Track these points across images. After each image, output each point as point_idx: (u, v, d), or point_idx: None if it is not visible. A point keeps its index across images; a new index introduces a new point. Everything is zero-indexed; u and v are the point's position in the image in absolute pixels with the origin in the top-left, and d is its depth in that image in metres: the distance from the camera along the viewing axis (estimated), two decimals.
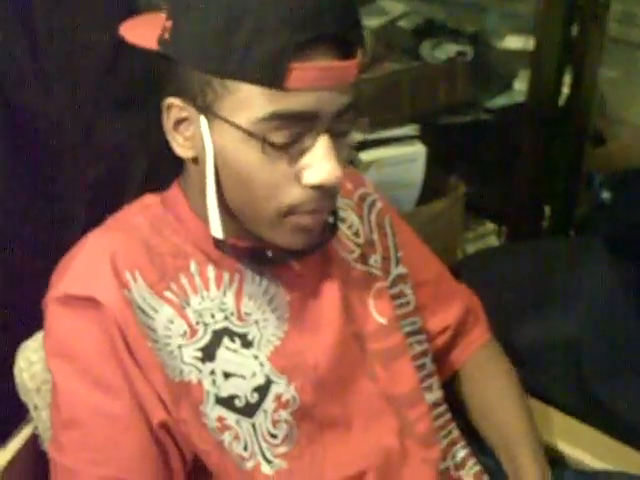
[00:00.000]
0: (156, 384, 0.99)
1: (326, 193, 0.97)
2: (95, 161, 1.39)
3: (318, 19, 0.89)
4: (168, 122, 1.00)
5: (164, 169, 1.10)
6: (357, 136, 1.02)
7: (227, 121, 0.93)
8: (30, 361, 1.11)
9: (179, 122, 0.99)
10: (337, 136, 0.96)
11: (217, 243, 1.00)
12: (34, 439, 1.13)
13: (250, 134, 0.92)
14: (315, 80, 0.91)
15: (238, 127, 0.93)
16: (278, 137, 0.93)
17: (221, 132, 0.95)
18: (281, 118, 0.92)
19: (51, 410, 1.03)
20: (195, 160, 1.00)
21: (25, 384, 1.11)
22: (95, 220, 1.09)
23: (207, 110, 0.95)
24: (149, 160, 1.44)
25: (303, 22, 0.89)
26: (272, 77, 0.90)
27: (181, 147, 1.00)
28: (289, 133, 0.93)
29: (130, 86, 1.40)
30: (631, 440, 1.35)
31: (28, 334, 1.13)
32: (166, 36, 0.96)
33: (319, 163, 0.94)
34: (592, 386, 1.50)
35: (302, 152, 0.95)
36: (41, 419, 1.11)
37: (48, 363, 1.02)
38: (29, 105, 1.33)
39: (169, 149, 1.02)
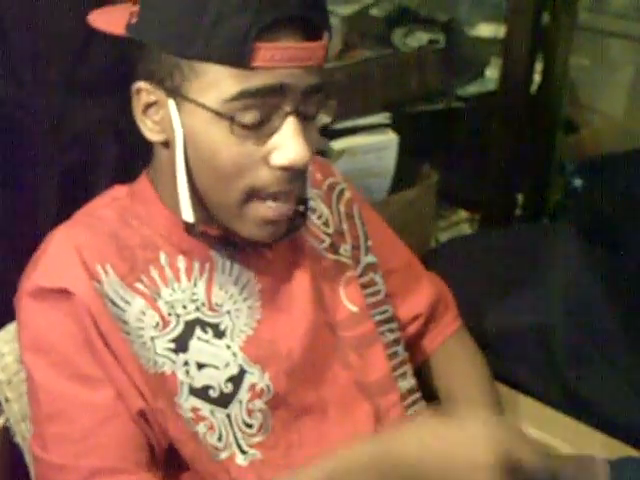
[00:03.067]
0: (132, 374, 0.99)
1: (294, 175, 0.98)
2: (66, 148, 1.39)
3: (283, 1, 0.91)
4: (137, 106, 1.00)
5: (136, 156, 1.09)
6: (325, 119, 1.02)
7: (196, 103, 0.94)
8: (1, 353, 1.11)
9: (148, 106, 0.99)
10: (305, 119, 0.97)
11: (188, 228, 1.01)
12: (5, 431, 1.12)
13: (218, 114, 0.93)
14: (281, 60, 0.92)
15: (207, 108, 0.93)
16: (247, 117, 0.93)
17: (190, 114, 0.95)
18: (249, 96, 0.92)
19: (30, 408, 1.02)
20: (165, 144, 1.01)
21: None
22: (67, 207, 1.09)
23: (176, 93, 0.95)
24: (120, 147, 1.43)
25: (267, 4, 0.90)
26: (238, 57, 0.91)
27: (150, 131, 1.00)
28: (258, 113, 0.94)
29: (101, 73, 1.40)
30: (600, 425, 1.36)
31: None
32: (133, 20, 0.96)
33: (287, 144, 0.95)
34: (563, 372, 1.51)
35: (270, 133, 0.96)
36: (12, 411, 1.11)
37: (24, 359, 1.01)
38: None
39: (140, 135, 1.01)
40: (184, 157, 0.97)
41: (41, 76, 1.35)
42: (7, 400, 1.11)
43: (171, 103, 0.96)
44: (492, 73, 2.39)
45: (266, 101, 0.93)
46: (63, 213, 1.08)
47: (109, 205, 1.07)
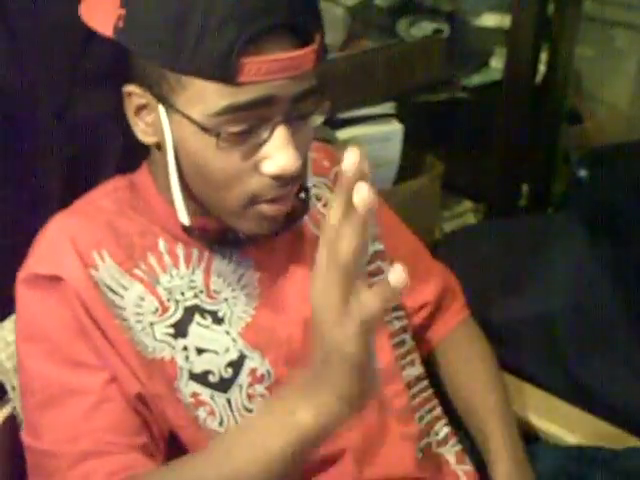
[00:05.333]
0: (128, 359, 0.99)
1: (286, 181, 0.97)
2: (70, 139, 1.38)
3: (268, 10, 0.88)
4: (130, 108, 1.00)
5: (139, 146, 1.09)
6: (318, 119, 0.99)
7: (182, 114, 0.93)
8: (7, 341, 1.11)
9: (140, 108, 0.99)
10: (297, 120, 0.95)
11: (185, 229, 1.01)
12: (12, 419, 1.13)
13: (204, 129, 0.92)
14: (268, 72, 0.89)
15: (193, 121, 0.92)
16: (234, 130, 0.92)
17: (178, 124, 0.94)
18: (235, 110, 0.91)
19: (22, 396, 1.03)
20: (158, 146, 1.00)
21: (2, 364, 1.11)
22: (70, 198, 1.09)
23: (164, 101, 0.94)
24: (124, 137, 1.43)
25: (251, 15, 0.87)
26: (223, 73, 0.88)
27: (143, 133, 1.00)
28: (245, 125, 0.92)
29: (105, 63, 1.39)
30: (606, 415, 1.36)
31: (5, 314, 1.13)
32: (120, 24, 0.94)
33: (276, 154, 0.93)
34: (568, 362, 1.51)
35: (259, 144, 0.94)
36: (19, 399, 1.11)
37: (17, 347, 1.02)
38: (3, 84, 1.32)
39: None
40: (176, 162, 0.97)
41: (45, 66, 1.34)
42: (14, 388, 1.11)
43: (161, 109, 0.95)
44: (497, 63, 2.39)
45: (254, 113, 0.91)
46: (66, 203, 1.08)
47: (108, 195, 1.07)
